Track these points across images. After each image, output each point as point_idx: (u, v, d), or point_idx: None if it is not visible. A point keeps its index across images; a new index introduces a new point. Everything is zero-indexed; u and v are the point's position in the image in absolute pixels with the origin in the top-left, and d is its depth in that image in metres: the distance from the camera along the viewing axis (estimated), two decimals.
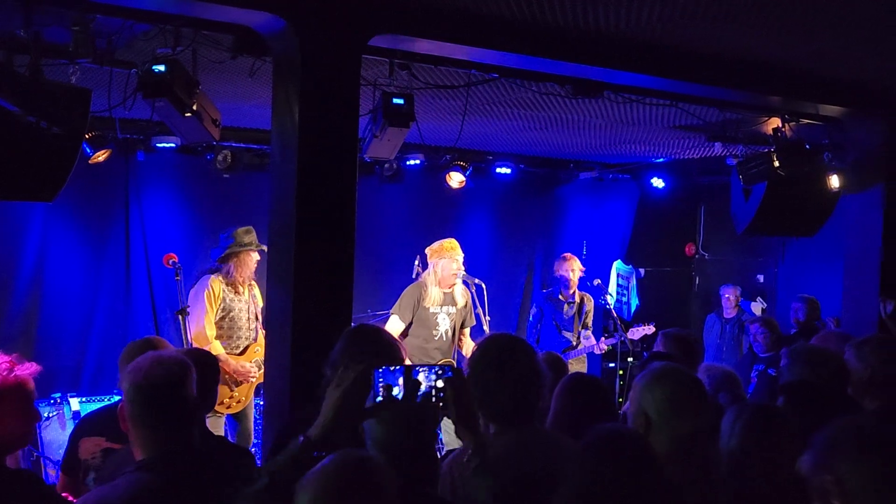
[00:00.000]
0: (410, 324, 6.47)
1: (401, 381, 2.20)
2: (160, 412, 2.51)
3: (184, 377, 2.57)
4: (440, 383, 2.24)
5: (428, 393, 2.24)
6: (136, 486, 2.42)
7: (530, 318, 8.06)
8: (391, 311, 6.56)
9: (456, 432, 2.40)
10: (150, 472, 2.46)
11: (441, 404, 2.25)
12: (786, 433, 2.83)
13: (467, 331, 6.68)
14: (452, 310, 6.49)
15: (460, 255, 6.47)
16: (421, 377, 2.23)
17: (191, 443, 2.57)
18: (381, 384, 2.18)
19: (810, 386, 3.97)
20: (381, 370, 2.20)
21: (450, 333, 6.47)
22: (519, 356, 3.00)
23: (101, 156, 6.56)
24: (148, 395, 2.50)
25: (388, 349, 3.27)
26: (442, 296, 6.47)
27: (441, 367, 2.28)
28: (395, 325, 6.41)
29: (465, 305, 6.59)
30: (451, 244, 6.46)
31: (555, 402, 3.55)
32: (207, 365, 3.49)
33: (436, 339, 6.46)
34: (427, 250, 6.57)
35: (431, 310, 6.43)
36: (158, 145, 7.42)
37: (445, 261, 6.42)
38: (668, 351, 4.31)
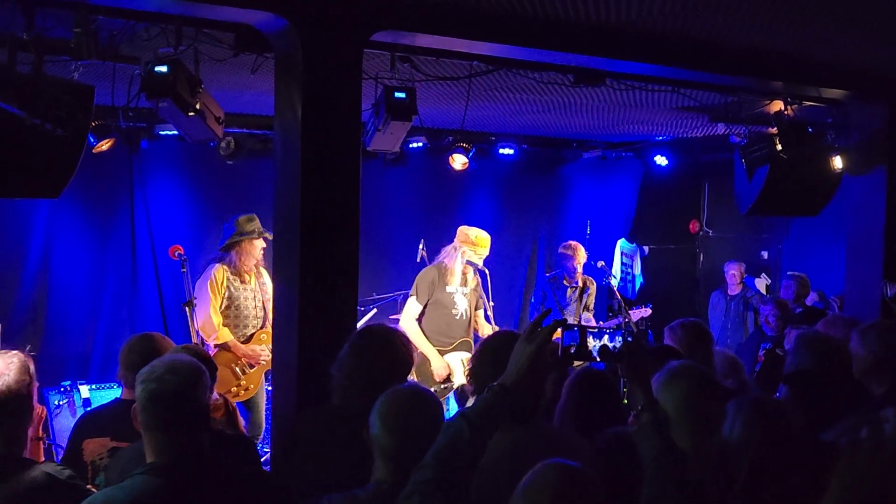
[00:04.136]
0: (426, 305, 6.55)
1: (590, 340, 2.55)
2: (172, 419, 2.53)
3: (197, 384, 2.60)
4: (616, 343, 2.52)
5: (603, 351, 2.54)
6: (142, 489, 2.46)
7: (532, 300, 8.11)
8: (410, 293, 6.64)
9: (629, 390, 2.58)
10: (158, 476, 2.49)
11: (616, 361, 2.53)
12: (786, 427, 2.86)
13: (480, 313, 6.77)
14: (467, 290, 6.60)
15: (485, 252, 6.57)
16: (601, 340, 2.55)
17: (201, 447, 2.61)
18: (570, 343, 2.54)
19: (814, 376, 4.01)
20: (565, 331, 2.53)
21: (469, 312, 6.57)
22: None
23: (104, 145, 6.57)
24: (160, 402, 2.52)
25: (397, 352, 3.31)
26: (460, 276, 6.57)
27: (619, 329, 2.56)
28: (413, 308, 6.52)
29: (476, 287, 6.70)
30: (483, 241, 6.54)
31: (563, 397, 3.59)
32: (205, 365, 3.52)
33: (456, 318, 6.56)
34: (460, 230, 6.63)
35: (448, 289, 6.52)
36: (161, 133, 7.43)
37: (470, 252, 6.51)
38: (681, 342, 4.34)
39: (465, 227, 6.65)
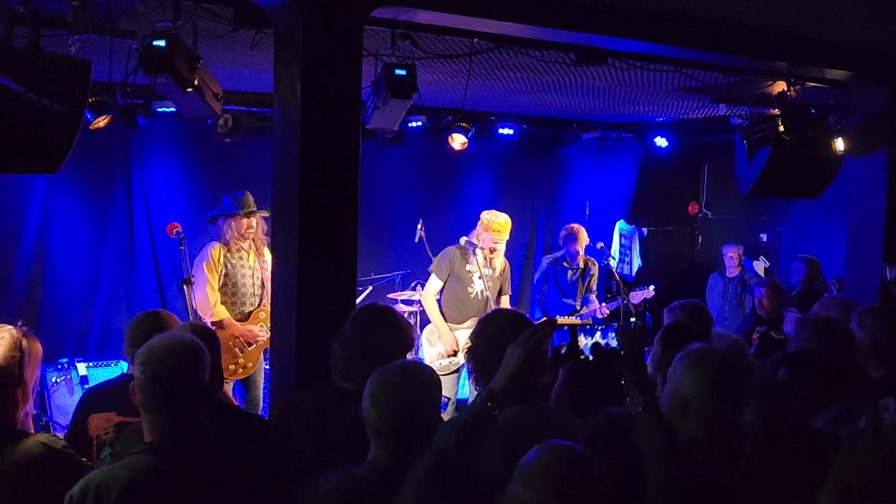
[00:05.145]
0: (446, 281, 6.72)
1: (581, 338, 2.43)
2: (170, 400, 2.52)
3: (196, 364, 2.58)
4: (610, 341, 2.39)
5: (595, 349, 2.48)
6: (141, 468, 2.47)
7: (534, 281, 8.12)
8: (430, 269, 6.84)
9: (624, 389, 2.52)
10: (155, 456, 2.50)
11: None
12: (788, 412, 2.85)
13: (506, 298, 6.91)
14: (488, 272, 6.68)
15: (500, 236, 6.64)
16: (592, 337, 2.43)
17: (199, 427, 2.60)
18: (560, 343, 2.48)
19: (813, 357, 4.00)
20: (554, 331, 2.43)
21: (485, 294, 6.63)
22: (516, 336, 3.02)
23: (101, 121, 6.53)
24: (158, 383, 2.51)
25: (397, 331, 3.30)
26: (483, 258, 6.66)
27: (611, 326, 2.43)
28: (434, 284, 6.75)
29: (502, 273, 6.82)
30: (496, 224, 6.63)
31: (560, 378, 3.57)
32: (208, 341, 3.49)
33: (472, 296, 6.69)
34: (483, 214, 6.73)
35: (468, 267, 6.65)
36: (159, 110, 7.38)
37: (486, 236, 6.62)
38: (682, 321, 4.32)
39: (486, 210, 6.80)
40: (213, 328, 6.00)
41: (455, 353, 6.58)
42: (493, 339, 3.05)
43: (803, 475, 2.45)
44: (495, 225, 6.59)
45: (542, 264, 7.97)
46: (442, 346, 6.61)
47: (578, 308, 7.48)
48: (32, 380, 3.06)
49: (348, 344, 3.26)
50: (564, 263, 7.62)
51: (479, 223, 6.70)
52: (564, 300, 7.59)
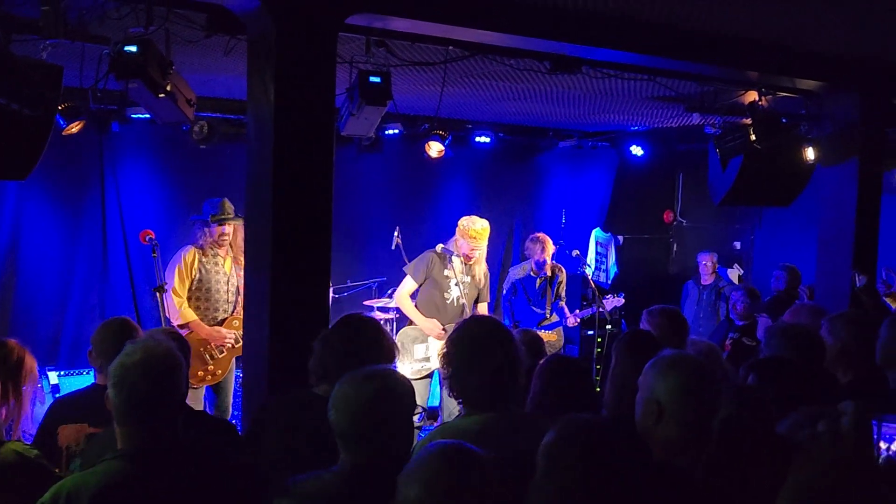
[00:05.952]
0: (422, 284, 6.69)
1: None
2: (146, 414, 2.51)
3: (172, 377, 2.57)
4: None
5: None
6: (113, 474, 2.45)
7: (503, 292, 8.14)
8: (405, 269, 6.78)
9: None
10: (129, 462, 2.48)
11: None
12: (763, 412, 2.87)
13: (483, 305, 6.89)
14: (466, 279, 6.66)
15: (476, 243, 6.58)
16: None
17: (173, 435, 2.58)
18: None
19: (783, 362, 4.04)
20: None
21: (461, 300, 6.62)
22: (493, 344, 3.04)
23: (74, 127, 6.42)
24: (135, 401, 2.50)
25: (377, 341, 3.30)
26: (461, 265, 6.64)
27: None
28: (408, 285, 6.70)
29: (481, 280, 6.80)
30: (476, 232, 6.57)
31: (534, 385, 3.58)
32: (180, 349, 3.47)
33: (447, 302, 6.66)
34: (461, 220, 6.69)
35: (446, 273, 6.62)
36: (133, 116, 7.31)
37: (463, 242, 6.60)
38: (658, 327, 4.34)
39: (464, 216, 6.74)
40: (183, 332, 6.02)
41: (427, 359, 6.57)
42: (468, 345, 3.06)
43: (765, 478, 2.47)
44: (471, 231, 6.56)
45: (510, 275, 8.00)
46: (420, 347, 6.58)
47: (548, 316, 7.50)
48: (25, 389, 3.04)
49: (329, 346, 3.27)
50: (531, 273, 7.64)
51: (457, 229, 6.66)
52: (533, 308, 7.62)
